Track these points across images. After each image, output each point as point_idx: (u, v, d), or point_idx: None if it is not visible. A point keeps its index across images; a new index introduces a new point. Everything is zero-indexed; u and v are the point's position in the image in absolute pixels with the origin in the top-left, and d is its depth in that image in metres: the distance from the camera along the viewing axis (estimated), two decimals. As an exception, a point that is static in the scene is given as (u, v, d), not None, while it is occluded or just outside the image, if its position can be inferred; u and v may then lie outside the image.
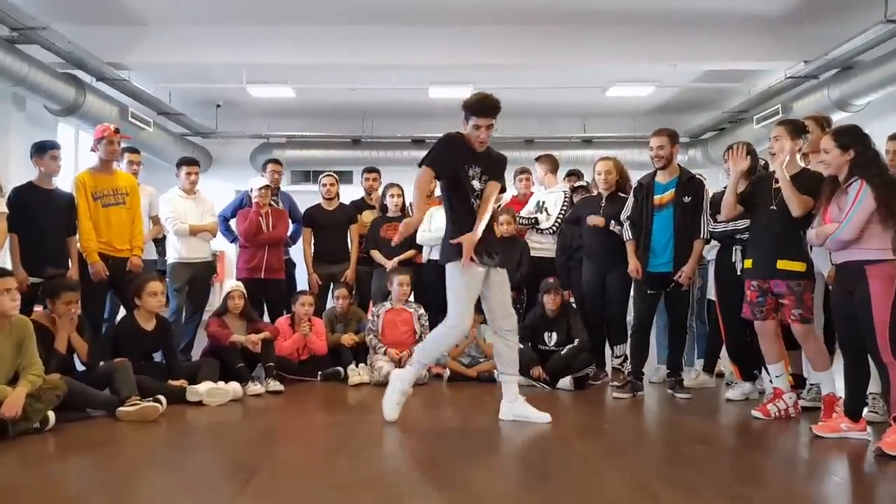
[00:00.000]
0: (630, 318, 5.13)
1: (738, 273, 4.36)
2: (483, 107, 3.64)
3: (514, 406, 3.86)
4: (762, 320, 3.91)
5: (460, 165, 3.72)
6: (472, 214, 3.75)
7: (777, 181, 3.86)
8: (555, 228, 5.62)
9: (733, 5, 6.95)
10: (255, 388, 4.59)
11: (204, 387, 4.27)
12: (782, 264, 3.77)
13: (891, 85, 6.80)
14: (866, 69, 6.99)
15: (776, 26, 7.30)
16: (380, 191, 6.09)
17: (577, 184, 5.97)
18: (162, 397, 3.96)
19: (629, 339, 4.79)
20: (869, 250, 3.28)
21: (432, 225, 5.43)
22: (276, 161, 6.44)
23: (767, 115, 8.41)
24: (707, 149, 10.60)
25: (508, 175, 6.53)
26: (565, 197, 5.79)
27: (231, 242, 6.34)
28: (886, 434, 3.22)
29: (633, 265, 4.66)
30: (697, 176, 4.67)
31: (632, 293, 4.89)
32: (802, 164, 3.97)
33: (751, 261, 3.95)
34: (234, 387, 4.39)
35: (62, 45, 6.62)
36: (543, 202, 5.82)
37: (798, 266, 3.73)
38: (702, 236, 4.49)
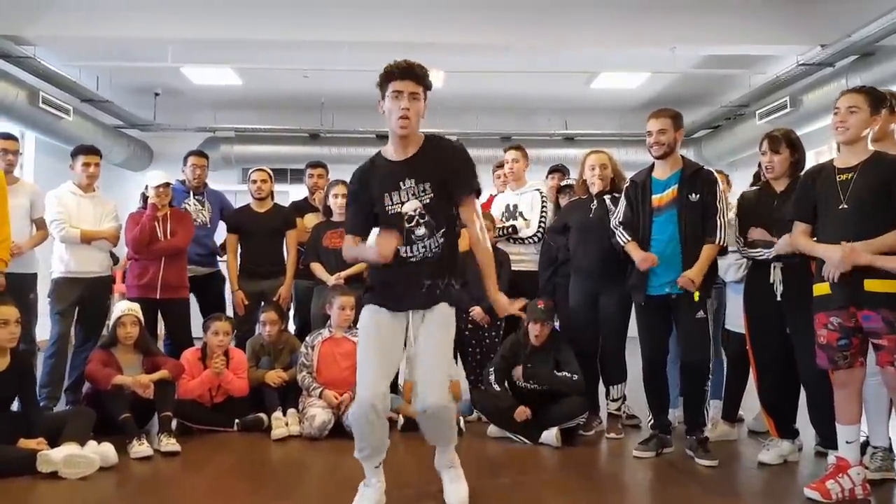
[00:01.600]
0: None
1: (779, 299, 3.35)
2: (393, 67, 2.59)
3: (438, 466, 2.88)
4: (846, 368, 2.88)
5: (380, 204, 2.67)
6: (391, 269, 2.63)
7: (840, 171, 2.86)
8: (539, 236, 4.57)
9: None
10: (140, 448, 3.46)
11: (61, 453, 3.14)
12: (873, 285, 2.75)
13: (920, 74, 5.89)
14: (891, 55, 6.06)
15: (790, 4, 6.35)
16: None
17: (564, 182, 4.91)
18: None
19: (643, 383, 3.73)
20: None
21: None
22: (199, 153, 5.33)
23: (773, 110, 7.46)
24: (700, 148, 9.62)
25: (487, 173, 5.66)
26: (542, 197, 4.77)
27: None
28: None
29: (642, 256, 3.53)
30: (706, 168, 3.65)
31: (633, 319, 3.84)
32: (873, 148, 2.97)
33: (827, 286, 2.90)
34: (104, 451, 3.27)
35: (-60, 12, 5.45)
36: (515, 206, 4.77)
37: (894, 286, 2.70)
38: (717, 242, 3.45)
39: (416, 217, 2.63)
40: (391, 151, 2.70)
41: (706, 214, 3.46)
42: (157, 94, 9.25)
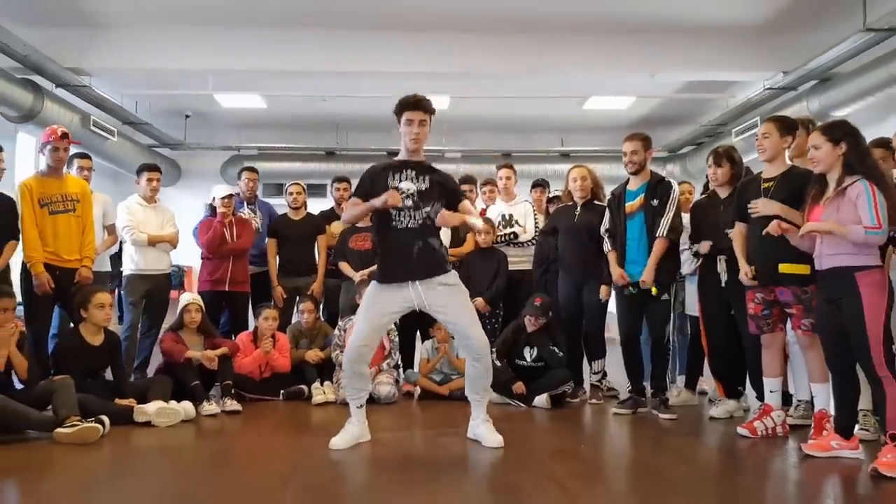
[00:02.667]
0: (610, 334, 4.95)
1: (723, 285, 4.16)
2: (406, 100, 3.44)
3: (475, 425, 3.66)
4: (769, 333, 3.71)
5: (381, 183, 3.46)
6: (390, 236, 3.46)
7: (765, 181, 3.69)
8: (535, 240, 5.41)
9: (713, 15, 6.83)
10: (209, 408, 4.28)
11: (153, 406, 3.96)
12: (785, 268, 3.55)
13: (870, 96, 6.69)
14: (845, 80, 6.88)
15: (755, 36, 7.20)
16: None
17: (551, 195, 5.77)
18: (105, 418, 3.66)
19: (622, 356, 4.54)
20: (859, 256, 3.08)
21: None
22: (251, 169, 6.19)
23: (746, 128, 8.31)
24: (685, 163, 10.49)
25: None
26: (532, 207, 5.63)
27: None
28: (882, 453, 3.01)
29: (617, 273, 4.44)
30: (668, 179, 4.48)
31: (614, 306, 4.66)
32: (790, 163, 3.80)
33: (752, 269, 3.72)
34: (185, 407, 4.09)
35: (17, 49, 6.32)
36: (511, 215, 5.61)
37: (802, 269, 3.48)
38: (659, 235, 4.26)
39: (406, 193, 3.40)
40: (403, 156, 3.53)
41: (656, 213, 4.28)
42: (187, 116, 10.14)
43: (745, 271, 3.74)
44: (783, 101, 7.76)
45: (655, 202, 4.30)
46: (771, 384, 3.73)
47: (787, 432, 3.71)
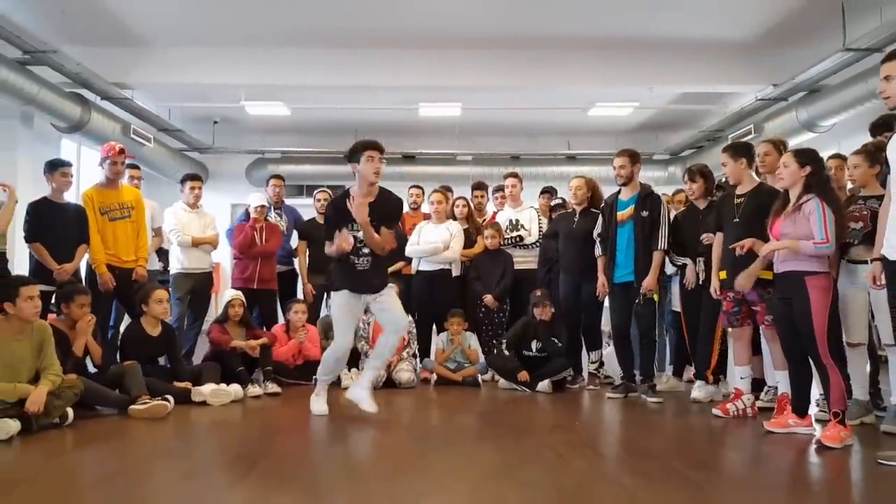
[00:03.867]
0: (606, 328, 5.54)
1: (700, 283, 4.74)
2: (367, 142, 4.07)
3: (359, 388, 4.26)
4: (738, 327, 4.29)
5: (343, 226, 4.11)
6: (352, 270, 4.16)
7: (737, 196, 4.26)
8: (539, 243, 6.01)
9: (706, 33, 7.38)
10: (254, 390, 4.92)
11: (208, 388, 4.60)
12: None
13: (854, 108, 7.19)
14: (832, 92, 7.39)
15: (747, 52, 7.74)
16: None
17: (553, 202, 6.34)
18: (170, 396, 4.29)
19: (614, 347, 5.13)
20: (809, 262, 3.65)
21: (420, 238, 5.96)
22: (278, 176, 6.80)
23: (741, 135, 8.82)
24: (686, 165, 10.99)
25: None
26: (537, 212, 6.22)
27: None
28: (826, 428, 3.59)
29: (601, 282, 5.07)
30: (656, 193, 5.06)
31: (606, 303, 5.26)
32: (759, 180, 4.37)
33: (724, 272, 4.29)
34: (235, 388, 4.72)
35: (70, 67, 6.95)
36: (517, 220, 6.19)
37: (766, 275, 4.03)
38: (659, 247, 4.84)
39: (362, 244, 4.10)
40: (359, 194, 4.08)
41: (652, 227, 4.85)
42: (215, 123, 10.78)
43: (715, 287, 4.34)
44: (774, 110, 8.30)
45: (645, 213, 4.87)
46: (741, 371, 4.32)
47: (757, 414, 4.29)
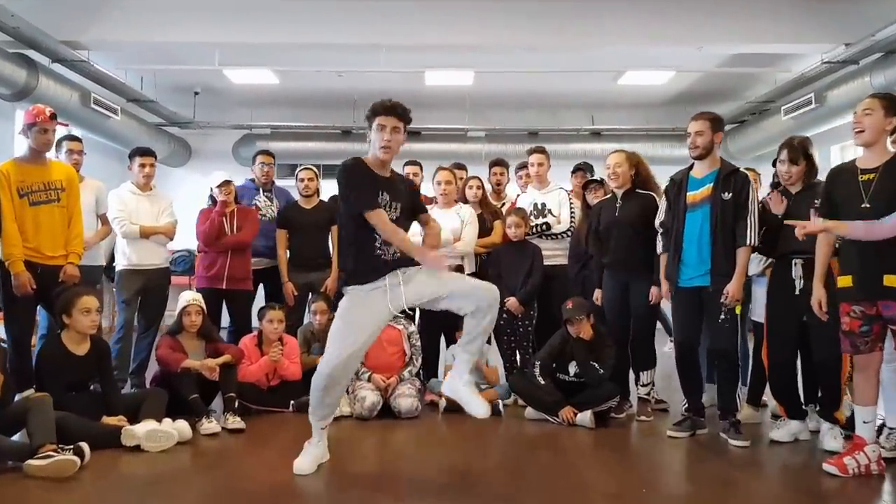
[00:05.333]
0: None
1: (797, 293, 3.58)
2: (380, 105, 3.10)
3: (458, 384, 3.16)
4: (867, 353, 3.13)
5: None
6: (372, 256, 3.07)
7: (863, 172, 3.09)
8: (571, 231, 4.84)
9: (768, -20, 6.16)
10: (209, 426, 3.79)
11: (143, 428, 3.47)
12: (892, 280, 2.98)
13: (945, 71, 6.03)
14: (916, 53, 6.21)
15: (815, 3, 6.50)
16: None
17: (588, 178, 5.13)
18: (84, 446, 3.16)
19: (676, 365, 3.99)
20: None
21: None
22: (266, 153, 5.65)
23: (798, 106, 7.62)
24: (727, 142, 9.77)
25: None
26: (568, 194, 5.06)
27: None
28: None
29: (658, 289, 3.97)
30: (742, 170, 3.86)
31: (670, 309, 4.09)
32: (893, 150, 3.19)
33: (850, 278, 3.14)
34: (180, 428, 3.59)
35: (6, 20, 5.79)
36: (543, 204, 5.03)
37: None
38: (748, 243, 3.66)
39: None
40: (374, 165, 3.10)
41: (738, 214, 3.67)
42: (196, 93, 9.60)
43: (820, 299, 3.22)
44: (841, 75, 7.06)
45: (727, 195, 3.70)
46: (865, 413, 3.15)
47: (884, 469, 3.14)
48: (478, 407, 3.08)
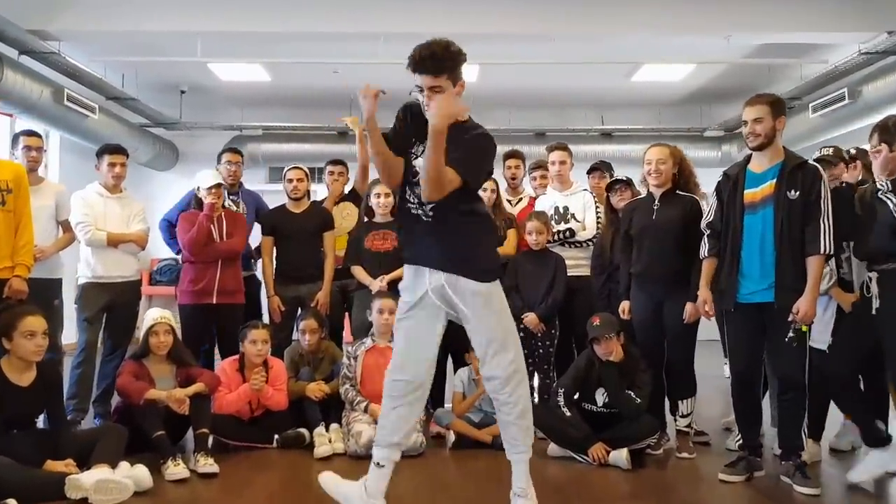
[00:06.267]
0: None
1: (874, 312, 3.00)
2: (412, 57, 2.61)
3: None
4: None
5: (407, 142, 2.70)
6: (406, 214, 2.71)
7: None
8: (596, 239, 4.27)
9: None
10: (175, 470, 3.19)
11: (92, 477, 2.87)
12: None
13: None
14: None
15: (853, -11, 5.96)
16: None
17: (613, 179, 4.53)
18: (12, 502, 2.57)
19: (732, 399, 3.40)
20: None
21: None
22: (234, 150, 5.11)
23: (828, 102, 7.06)
24: (745, 144, 9.24)
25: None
26: (593, 197, 4.48)
27: (177, 254, 4.95)
28: None
29: (702, 297, 3.36)
30: (813, 163, 3.28)
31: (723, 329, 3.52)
32: None
33: None
34: (138, 475, 2.99)
35: (-37, 5, 5.24)
36: (566, 207, 4.47)
37: None
38: (822, 251, 3.07)
39: (420, 179, 2.59)
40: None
41: (808, 216, 3.08)
42: (182, 92, 9.03)
43: None
44: (877, 69, 6.50)
45: (794, 194, 3.10)
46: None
47: None
48: None
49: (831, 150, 3.80)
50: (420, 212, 2.65)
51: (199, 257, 4.28)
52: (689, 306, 3.55)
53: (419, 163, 2.60)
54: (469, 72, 7.55)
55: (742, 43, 6.71)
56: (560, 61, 7.18)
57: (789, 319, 3.05)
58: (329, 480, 2.75)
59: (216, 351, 4.55)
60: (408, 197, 2.68)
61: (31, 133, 4.35)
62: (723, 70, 7.86)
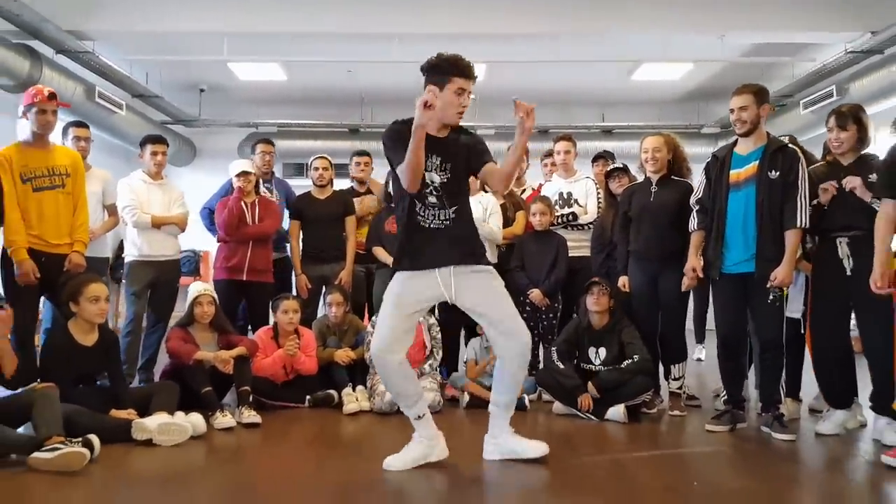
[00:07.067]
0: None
1: (848, 274, 3.39)
2: (464, 64, 2.80)
3: (500, 441, 3.04)
4: None
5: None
6: (418, 232, 2.89)
7: None
8: (597, 220, 4.67)
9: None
10: (223, 420, 3.60)
11: (155, 421, 3.28)
12: None
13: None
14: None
15: (839, -9, 6.35)
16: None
17: (611, 167, 4.93)
18: (94, 438, 2.97)
19: (718, 360, 3.79)
20: None
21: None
22: (266, 141, 5.48)
23: (818, 99, 7.45)
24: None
25: (534, 161, 5.75)
26: (595, 183, 4.87)
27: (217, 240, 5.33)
28: None
29: (691, 263, 3.73)
30: (792, 146, 3.66)
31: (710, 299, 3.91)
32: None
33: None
34: (194, 421, 3.40)
35: (10, 7, 5.63)
36: (570, 193, 4.87)
37: None
38: (798, 225, 3.44)
39: (432, 188, 2.84)
40: (431, 126, 2.81)
41: (787, 194, 3.46)
42: (202, 91, 9.44)
43: (878, 276, 3.02)
44: (864, 66, 6.88)
45: (775, 174, 3.49)
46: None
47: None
48: (534, 449, 2.99)
49: (787, 138, 4.20)
50: (435, 223, 2.85)
51: (232, 237, 4.68)
52: (686, 278, 3.93)
53: (429, 176, 2.82)
54: (476, 71, 7.99)
55: (736, 42, 7.10)
56: (563, 59, 7.56)
57: (767, 286, 3.43)
58: (395, 461, 2.91)
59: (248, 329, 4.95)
60: (418, 211, 2.85)
61: (80, 124, 4.75)
62: (719, 69, 8.24)
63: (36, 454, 2.83)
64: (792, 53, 7.60)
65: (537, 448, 3.00)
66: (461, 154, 2.88)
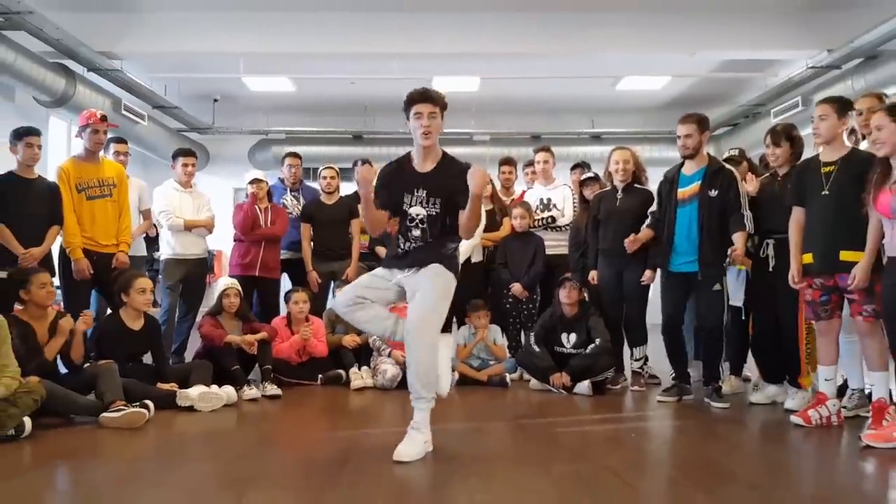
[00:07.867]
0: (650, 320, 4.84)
1: (770, 269, 4.05)
2: (415, 93, 3.07)
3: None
4: (826, 319, 3.59)
5: (398, 198, 3.13)
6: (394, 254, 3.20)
7: (825, 164, 3.55)
8: (573, 223, 5.33)
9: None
10: (250, 392, 4.27)
11: (195, 391, 3.95)
12: (847, 255, 3.42)
13: (919, 75, 6.49)
14: (892, 58, 6.67)
15: (799, 13, 6.99)
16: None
17: (584, 176, 5.60)
18: (149, 402, 3.65)
19: (663, 342, 4.45)
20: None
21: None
22: (294, 155, 6.13)
23: (786, 109, 8.10)
24: (720, 145, 10.23)
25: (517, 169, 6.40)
26: (571, 191, 5.53)
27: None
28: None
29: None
30: (728, 167, 4.32)
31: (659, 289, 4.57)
32: (850, 145, 3.66)
33: (810, 255, 3.59)
34: (227, 391, 4.07)
35: (50, 32, 6.31)
36: (549, 199, 5.52)
37: (856, 256, 3.37)
38: (745, 230, 4.05)
39: (417, 222, 3.09)
40: (416, 160, 3.14)
41: (728, 209, 4.07)
42: (215, 100, 10.11)
43: (795, 273, 3.64)
44: (826, 79, 7.54)
45: (714, 193, 4.13)
46: (826, 372, 3.61)
47: (842, 422, 3.60)
48: (399, 452, 2.97)
49: (737, 151, 4.83)
50: (416, 245, 3.07)
51: (247, 237, 5.34)
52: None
53: (414, 210, 3.06)
54: (471, 83, 8.67)
55: (708, 59, 7.76)
56: (550, 76, 8.23)
57: (727, 262, 4.08)
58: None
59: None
60: (401, 242, 3.12)
61: (120, 140, 5.43)
62: (696, 81, 8.90)
63: (105, 414, 3.50)
64: (760, 69, 8.25)
65: (403, 451, 2.98)
66: (448, 188, 3.02)
